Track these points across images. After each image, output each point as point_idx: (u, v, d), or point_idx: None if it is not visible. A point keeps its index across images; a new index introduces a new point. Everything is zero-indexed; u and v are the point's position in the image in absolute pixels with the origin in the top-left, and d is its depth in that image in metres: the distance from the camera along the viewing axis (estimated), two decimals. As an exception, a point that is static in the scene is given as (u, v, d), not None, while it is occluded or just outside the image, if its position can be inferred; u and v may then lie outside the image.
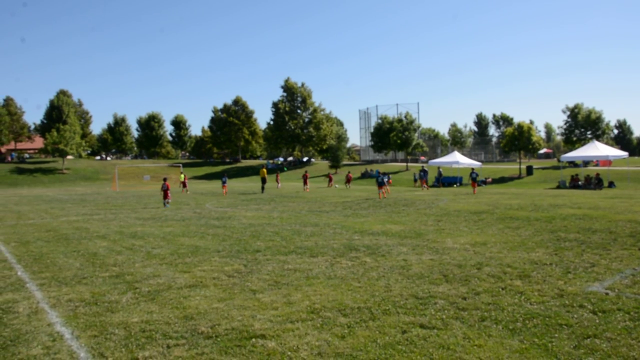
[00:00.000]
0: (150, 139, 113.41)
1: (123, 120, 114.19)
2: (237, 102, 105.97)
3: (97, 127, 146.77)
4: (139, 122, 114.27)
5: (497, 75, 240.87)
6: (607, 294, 7.64)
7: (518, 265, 9.78)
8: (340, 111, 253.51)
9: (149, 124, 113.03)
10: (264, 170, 39.99)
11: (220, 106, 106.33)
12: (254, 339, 5.93)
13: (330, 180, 51.47)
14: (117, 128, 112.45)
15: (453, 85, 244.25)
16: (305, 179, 42.70)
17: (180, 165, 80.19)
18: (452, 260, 10.37)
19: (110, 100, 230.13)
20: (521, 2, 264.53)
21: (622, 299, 7.34)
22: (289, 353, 5.50)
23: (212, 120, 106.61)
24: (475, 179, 35.83)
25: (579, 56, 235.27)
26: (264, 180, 38.68)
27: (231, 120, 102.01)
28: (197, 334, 6.15)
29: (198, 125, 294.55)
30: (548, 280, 8.52)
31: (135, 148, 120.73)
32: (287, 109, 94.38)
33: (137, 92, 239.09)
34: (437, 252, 11.34)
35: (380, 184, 30.42)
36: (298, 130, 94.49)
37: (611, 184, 42.01)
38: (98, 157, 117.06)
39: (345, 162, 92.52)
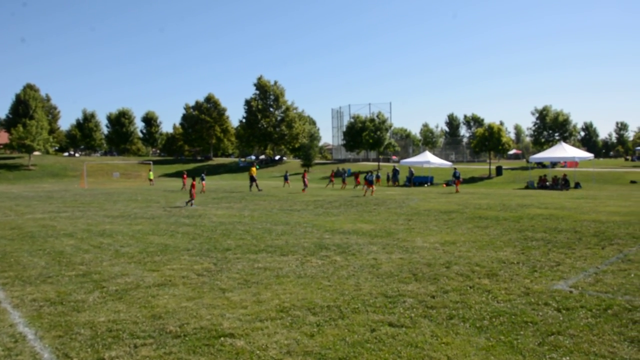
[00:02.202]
0: (120, 135, 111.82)
1: (92, 116, 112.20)
2: (209, 99, 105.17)
3: (66, 123, 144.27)
4: (109, 119, 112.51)
5: (469, 75, 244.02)
6: (571, 292, 7.81)
7: (486, 264, 9.92)
8: (312, 110, 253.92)
9: (119, 120, 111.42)
10: (254, 169, 39.65)
11: (192, 103, 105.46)
12: (222, 338, 5.91)
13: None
14: (86, 124, 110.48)
15: (425, 86, 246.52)
16: (303, 178, 40.79)
17: (151, 162, 79.28)
18: (421, 259, 10.47)
19: (80, 96, 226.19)
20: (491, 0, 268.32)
21: (585, 296, 7.51)
22: (258, 352, 5.49)
23: (184, 117, 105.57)
24: (458, 178, 37.03)
25: (548, 59, 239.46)
26: (252, 179, 38.28)
27: (203, 118, 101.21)
28: (165, 333, 6.10)
29: (169, 122, 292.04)
30: (515, 279, 8.67)
31: (105, 144, 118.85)
32: (259, 107, 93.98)
33: (108, 89, 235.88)
34: (407, 251, 11.44)
35: (370, 182, 31.68)
36: (270, 129, 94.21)
37: (577, 185, 42.84)
38: (66, 154, 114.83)
39: (317, 160, 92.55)
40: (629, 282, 8.37)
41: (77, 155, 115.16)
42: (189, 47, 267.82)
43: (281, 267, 9.86)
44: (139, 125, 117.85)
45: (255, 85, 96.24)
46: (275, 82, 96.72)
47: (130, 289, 8.23)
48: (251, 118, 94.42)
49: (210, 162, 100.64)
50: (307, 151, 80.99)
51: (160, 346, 5.69)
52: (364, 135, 74.25)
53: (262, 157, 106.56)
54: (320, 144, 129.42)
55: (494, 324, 6.36)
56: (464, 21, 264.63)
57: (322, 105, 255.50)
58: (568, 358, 5.27)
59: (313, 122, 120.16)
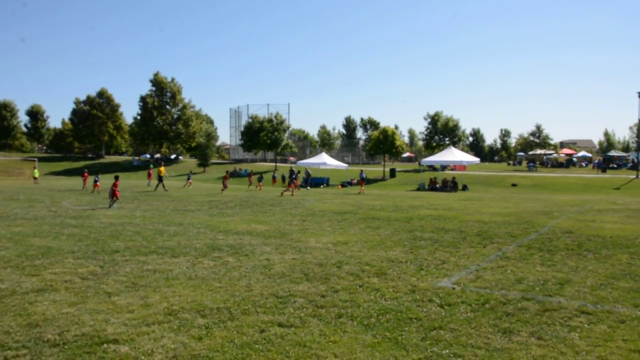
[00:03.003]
0: (0, 129, 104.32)
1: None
2: (102, 94, 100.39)
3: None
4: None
5: (366, 79, 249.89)
6: (453, 288, 8.22)
7: (376, 263, 10.22)
8: (210, 109, 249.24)
9: (0, 113, 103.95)
10: (163, 168, 38.24)
11: (83, 98, 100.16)
12: (105, 344, 5.66)
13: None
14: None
15: (323, 88, 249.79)
16: (224, 180, 38.84)
17: (35, 159, 74.63)
18: (314, 259, 10.60)
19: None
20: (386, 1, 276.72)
21: (466, 292, 7.94)
22: (143, 357, 5.32)
23: (74, 112, 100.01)
24: (364, 179, 38.36)
25: (443, 69, 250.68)
26: (160, 179, 36.95)
27: (95, 114, 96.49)
28: (42, 343, 5.74)
29: (58, 117, 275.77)
30: (402, 277, 8.99)
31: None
32: (155, 104, 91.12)
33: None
34: (300, 251, 11.54)
35: (291, 181, 33.30)
36: (166, 127, 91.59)
37: (465, 187, 45.21)
38: None
39: (214, 160, 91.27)
40: (505, 278, 8.95)
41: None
42: (80, 37, 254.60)
43: (171, 269, 9.61)
44: (23, 119, 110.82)
45: (151, 81, 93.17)
46: (173, 79, 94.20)
47: (4, 296, 7.66)
48: (146, 115, 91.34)
49: (101, 160, 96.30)
50: (203, 150, 79.73)
51: (36, 357, 5.35)
52: (262, 135, 74.19)
53: (158, 155, 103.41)
54: (218, 143, 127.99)
55: (380, 321, 6.55)
56: (360, 22, 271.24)
57: (220, 104, 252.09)
58: (448, 351, 5.54)
59: (211, 121, 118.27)
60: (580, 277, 9.14)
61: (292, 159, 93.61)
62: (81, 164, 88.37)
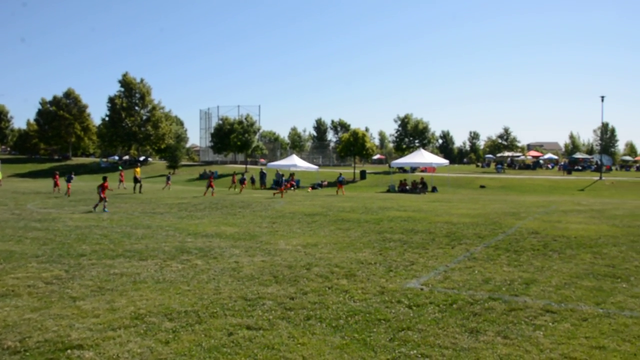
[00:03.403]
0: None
1: None
2: (68, 94, 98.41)
3: None
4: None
5: (337, 81, 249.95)
6: (422, 289, 8.29)
7: (345, 265, 10.24)
8: (180, 110, 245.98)
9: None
10: (138, 169, 37.56)
11: (49, 98, 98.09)
12: (69, 350, 5.55)
13: (168, 181, 49.36)
14: None
15: (294, 90, 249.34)
16: (210, 182, 35.43)
17: (-1, 161, 72.85)
18: (283, 261, 10.57)
19: None
20: (353, 3, 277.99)
21: (434, 293, 8.01)
22: (108, 362, 5.23)
23: (40, 113, 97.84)
24: (342, 182, 38.62)
25: (413, 69, 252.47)
26: (136, 180, 36.20)
27: (61, 114, 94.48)
28: (2, 350, 5.60)
29: (22, 117, 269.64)
30: (371, 279, 9.03)
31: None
32: (124, 105, 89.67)
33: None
34: (270, 253, 11.50)
35: (278, 184, 33.72)
36: (135, 128, 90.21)
37: (434, 189, 45.63)
38: None
39: (184, 162, 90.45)
40: (472, 278, 9.06)
41: None
42: (47, 37, 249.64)
43: (139, 272, 9.48)
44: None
45: (120, 82, 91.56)
46: (142, 80, 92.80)
47: (-35, 301, 7.47)
48: (115, 116, 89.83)
49: (68, 162, 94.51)
50: (173, 152, 78.88)
51: (-4, 362, 5.23)
52: (232, 137, 73.70)
53: (126, 157, 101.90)
54: (188, 145, 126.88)
55: (349, 322, 6.57)
56: (330, 24, 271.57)
57: (190, 105, 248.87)
58: (416, 351, 5.58)
59: (180, 123, 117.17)
60: (545, 276, 9.31)
61: (262, 160, 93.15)
62: (47, 165, 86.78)
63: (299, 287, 8.39)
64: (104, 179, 22.77)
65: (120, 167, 53.69)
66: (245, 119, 78.26)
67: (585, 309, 7.25)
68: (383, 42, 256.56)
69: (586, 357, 5.46)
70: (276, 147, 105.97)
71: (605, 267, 10.23)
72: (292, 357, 5.42)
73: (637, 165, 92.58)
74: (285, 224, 16.90)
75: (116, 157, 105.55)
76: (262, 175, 53.61)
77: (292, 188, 38.40)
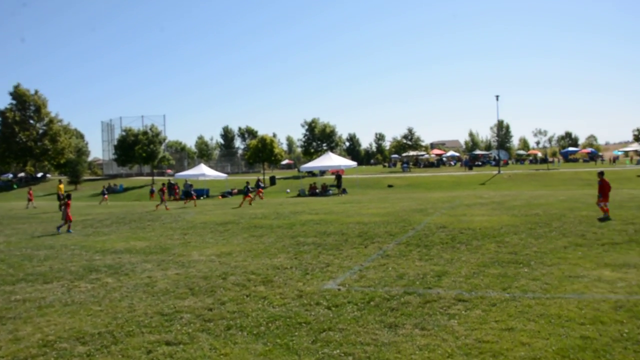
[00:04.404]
0: None
1: None
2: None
3: None
4: None
5: (244, 88, 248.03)
6: (339, 289, 8.40)
7: (262, 271, 10.18)
8: (80, 122, 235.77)
9: None
10: (62, 186, 35.10)
11: None
12: (-30, 386, 5.15)
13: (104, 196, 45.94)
14: None
15: (200, 98, 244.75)
16: (162, 193, 33.30)
17: None
18: (198, 272, 10.35)
19: None
20: (263, 8, 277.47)
21: (352, 292, 8.14)
22: (16, 394, 4.90)
23: None
24: (260, 187, 38.70)
25: (318, 74, 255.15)
26: (59, 197, 33.75)
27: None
28: None
29: None
30: (289, 283, 9.03)
31: None
32: (17, 118, 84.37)
33: None
34: (183, 265, 11.22)
35: (246, 193, 32.46)
36: (31, 143, 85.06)
37: (344, 191, 46.34)
38: None
39: (86, 177, 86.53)
40: (387, 275, 9.29)
41: None
42: None
43: (44, 296, 8.94)
44: None
45: (11, 94, 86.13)
46: (36, 92, 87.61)
47: None
48: (6, 131, 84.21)
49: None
50: (74, 167, 75.26)
51: None
52: (137, 148, 71.38)
53: (22, 174, 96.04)
54: (90, 158, 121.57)
55: (270, 328, 6.54)
56: (236, 34, 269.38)
57: (91, 117, 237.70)
58: (338, 351, 5.64)
59: (81, 136, 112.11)
60: (455, 268, 9.71)
61: (169, 171, 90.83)
62: None
63: (216, 297, 8.24)
64: (68, 197, 20.96)
65: (15, 186, 50.59)
66: (150, 129, 76.08)
67: (494, 294, 7.63)
68: (290, 49, 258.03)
69: (497, 340, 5.74)
70: (183, 156, 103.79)
71: (508, 254, 10.81)
72: (215, 368, 5.32)
73: (530, 158, 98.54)
74: (198, 235, 16.56)
75: (10, 175, 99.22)
76: (170, 186, 52.34)
77: (260, 196, 37.94)
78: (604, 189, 16.22)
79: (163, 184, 37.00)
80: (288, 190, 51.74)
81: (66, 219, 19.56)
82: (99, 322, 7.17)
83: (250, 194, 32.50)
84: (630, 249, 10.91)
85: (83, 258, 12.87)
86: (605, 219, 15.30)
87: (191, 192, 35.06)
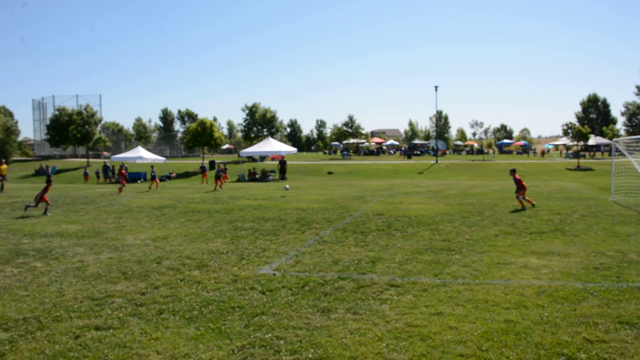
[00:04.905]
0: None
1: None
2: None
3: None
4: None
5: (185, 73, 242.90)
6: (274, 274, 8.45)
7: (197, 256, 10.10)
8: (9, 100, 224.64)
9: None
10: (4, 167, 33.12)
11: None
12: None
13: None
14: None
15: (138, 80, 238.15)
16: (122, 177, 30.95)
17: None
18: (132, 256, 10.16)
19: None
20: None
21: (287, 277, 8.20)
22: None
23: None
24: (224, 172, 37.17)
25: (259, 60, 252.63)
26: (2, 178, 31.79)
27: None
28: None
29: None
30: (224, 268, 9.01)
31: None
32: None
33: None
34: (117, 249, 10.98)
35: (217, 177, 31.38)
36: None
37: (284, 177, 46.33)
38: None
39: (16, 157, 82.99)
40: (322, 261, 9.41)
41: None
42: None
43: (-34, 280, 8.58)
44: None
45: None
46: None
47: None
48: None
49: None
50: (2, 147, 72.03)
51: None
52: (71, 129, 68.97)
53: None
54: (20, 138, 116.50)
55: (203, 313, 6.51)
56: (179, 20, 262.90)
57: (21, 95, 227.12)
58: (270, 334, 5.69)
59: (10, 114, 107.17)
60: (389, 254, 9.93)
61: (105, 153, 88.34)
62: None
63: (149, 281, 8.13)
64: (49, 181, 19.53)
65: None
66: (85, 109, 73.63)
67: (425, 280, 7.86)
68: (230, 35, 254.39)
69: (426, 324, 5.93)
70: (120, 138, 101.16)
71: (441, 241, 11.14)
72: (146, 353, 5.26)
73: (467, 149, 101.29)
74: (133, 219, 16.21)
75: None
76: (106, 168, 50.92)
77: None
78: (521, 183, 17.00)
79: (122, 166, 35.21)
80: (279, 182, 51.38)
81: (41, 200, 18.52)
82: (25, 307, 6.93)
83: (221, 179, 31.82)
84: (555, 238, 11.45)
85: (10, 242, 12.34)
86: (523, 209, 16.08)
87: (154, 175, 33.68)
